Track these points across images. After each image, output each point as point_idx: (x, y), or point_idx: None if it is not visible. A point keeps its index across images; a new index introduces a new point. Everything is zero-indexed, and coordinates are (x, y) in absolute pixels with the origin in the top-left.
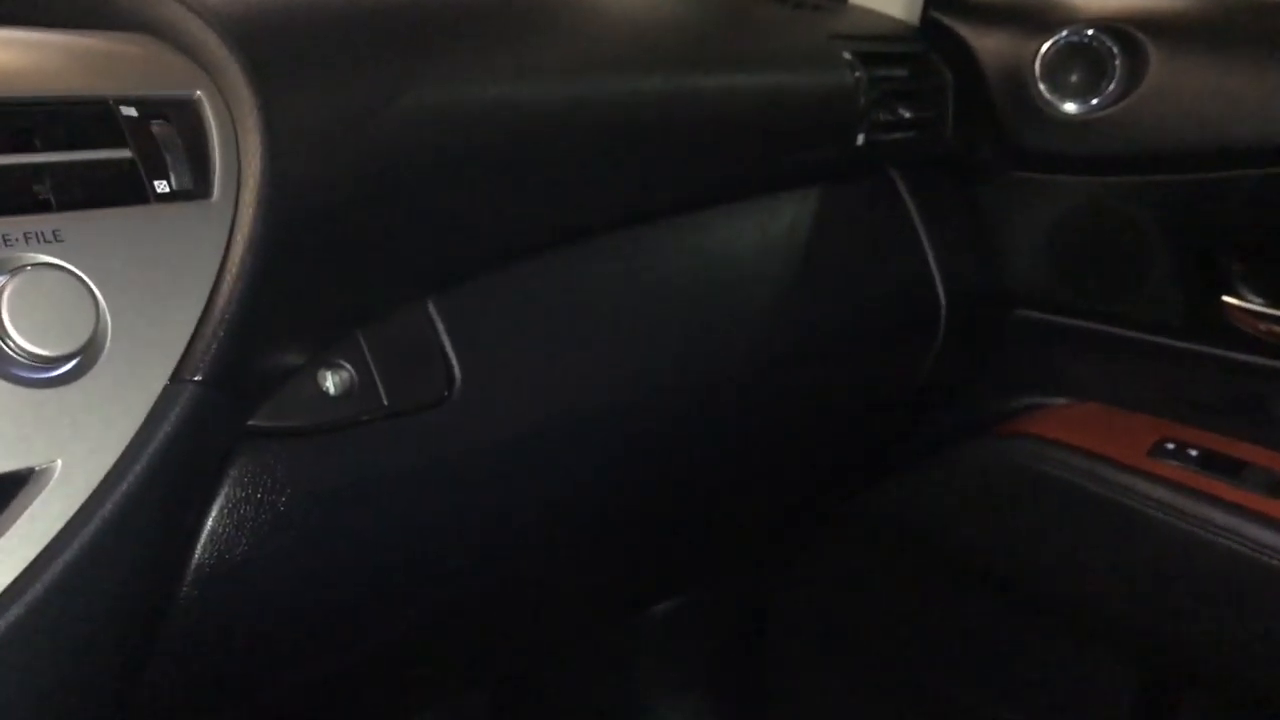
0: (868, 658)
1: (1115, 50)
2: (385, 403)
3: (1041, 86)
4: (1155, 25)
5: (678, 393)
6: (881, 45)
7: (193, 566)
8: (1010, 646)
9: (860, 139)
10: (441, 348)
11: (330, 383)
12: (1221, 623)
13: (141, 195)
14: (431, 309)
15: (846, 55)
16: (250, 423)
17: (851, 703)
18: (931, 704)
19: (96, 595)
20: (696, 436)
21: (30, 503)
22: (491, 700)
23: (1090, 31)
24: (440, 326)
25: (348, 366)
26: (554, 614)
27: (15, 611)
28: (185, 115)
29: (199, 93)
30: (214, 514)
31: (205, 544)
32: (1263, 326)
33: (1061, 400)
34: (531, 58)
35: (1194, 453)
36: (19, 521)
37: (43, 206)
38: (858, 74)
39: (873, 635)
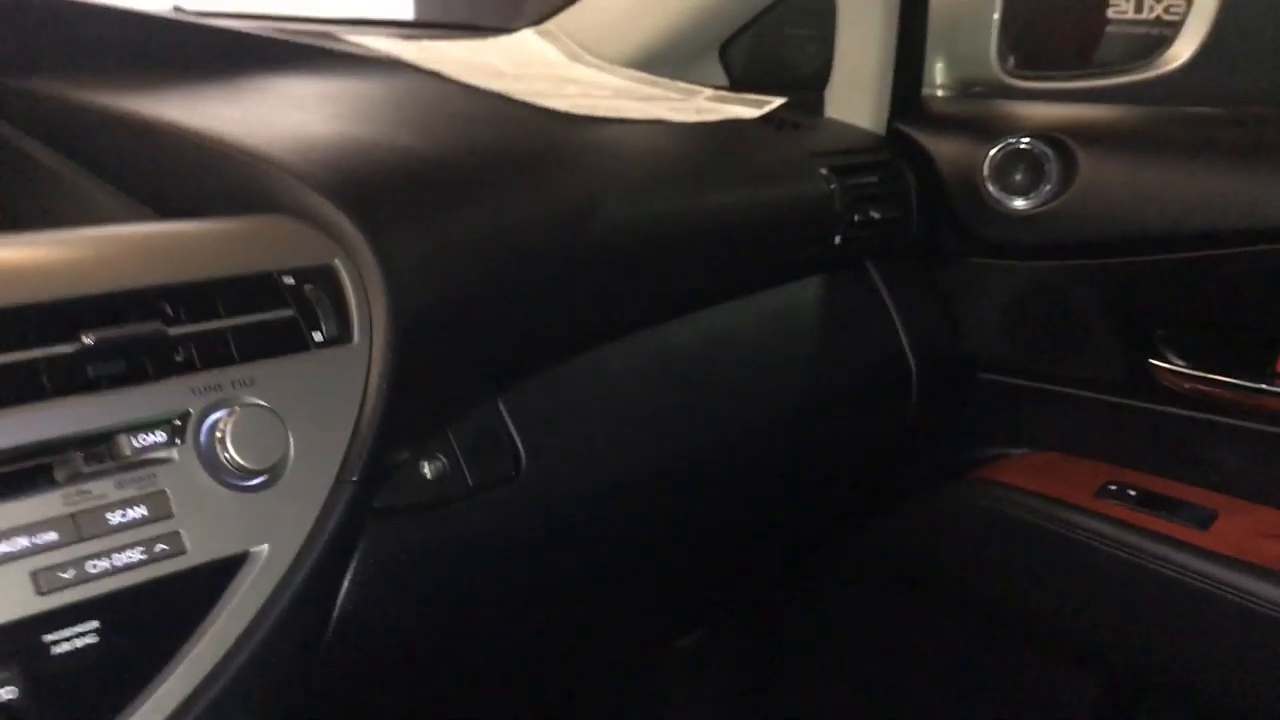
0: (868, 678)
1: (1050, 155)
2: (470, 483)
3: (991, 186)
4: (1083, 134)
5: (699, 457)
6: (853, 157)
7: (334, 618)
8: (990, 664)
9: (837, 239)
10: (510, 435)
11: (428, 469)
12: (1162, 640)
13: (303, 344)
14: (500, 403)
15: (823, 170)
16: (374, 505)
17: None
18: (925, 717)
19: (289, 642)
20: (716, 492)
21: (251, 575)
22: None
23: (1027, 139)
24: (507, 417)
25: (440, 456)
26: (599, 647)
27: (244, 655)
28: (327, 278)
29: (336, 260)
30: (349, 577)
31: (343, 600)
32: (1187, 385)
33: (1021, 450)
34: (571, 191)
35: (1134, 493)
36: (244, 588)
37: (228, 359)
38: (833, 185)
39: (872, 658)
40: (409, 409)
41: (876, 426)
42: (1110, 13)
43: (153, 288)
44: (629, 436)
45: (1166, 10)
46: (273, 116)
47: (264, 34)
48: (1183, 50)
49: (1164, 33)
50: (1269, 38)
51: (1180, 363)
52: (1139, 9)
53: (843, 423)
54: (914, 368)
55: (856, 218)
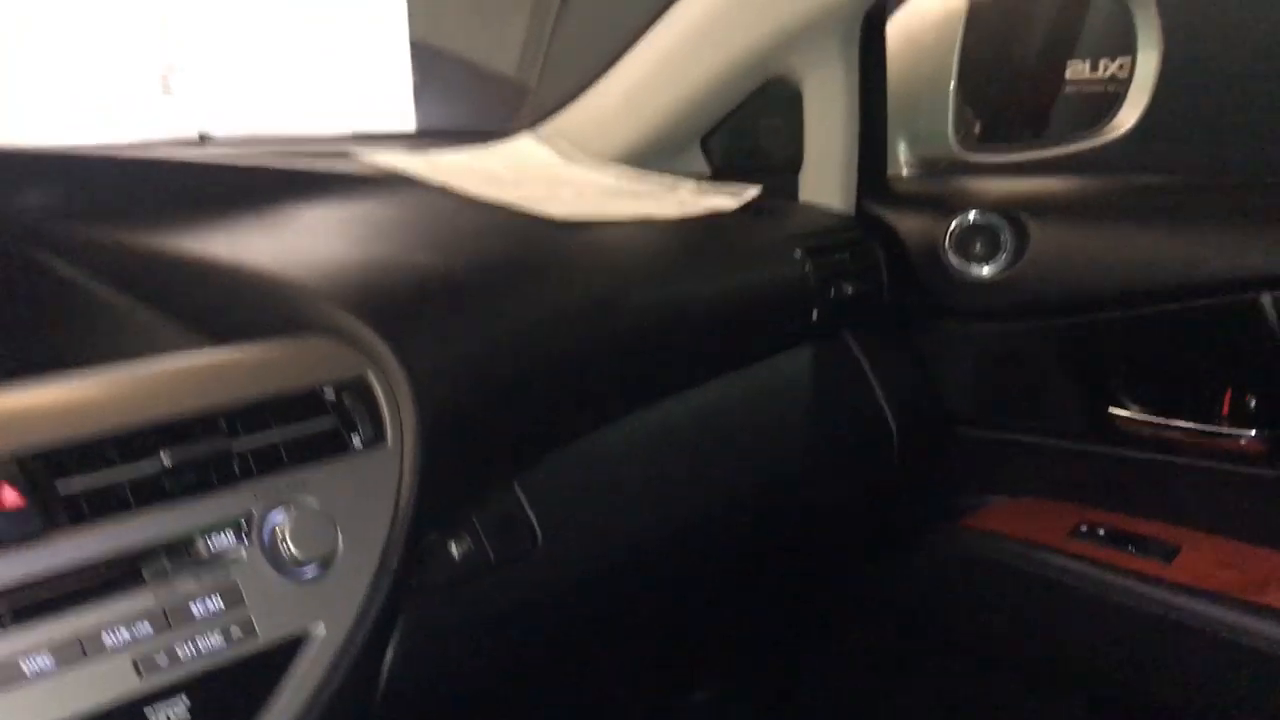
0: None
1: (1004, 227)
2: (492, 560)
3: (952, 258)
4: (1032, 206)
5: (700, 524)
6: (825, 237)
7: (382, 684)
8: (989, 701)
9: (815, 314)
10: (526, 514)
11: (455, 549)
12: (1137, 667)
13: (345, 448)
14: (516, 485)
15: (797, 252)
16: (411, 584)
17: None
18: None
19: (345, 709)
20: (718, 555)
21: (311, 652)
22: None
23: (981, 213)
24: (523, 498)
25: (466, 536)
26: (618, 705)
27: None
28: (361, 389)
29: (369, 373)
30: (391, 648)
31: (387, 669)
32: (1144, 429)
33: (999, 497)
34: (574, 293)
35: (1103, 532)
36: (307, 660)
37: (282, 466)
38: (807, 266)
39: (876, 702)
40: (438, 498)
41: (863, 483)
42: (1068, 74)
43: (215, 409)
44: (634, 508)
45: (1121, 68)
46: (302, 244)
47: (287, 165)
48: (1126, 119)
49: (1119, 90)
50: (1202, 109)
51: (1136, 409)
52: (1094, 68)
53: (832, 482)
54: (894, 426)
55: (832, 293)
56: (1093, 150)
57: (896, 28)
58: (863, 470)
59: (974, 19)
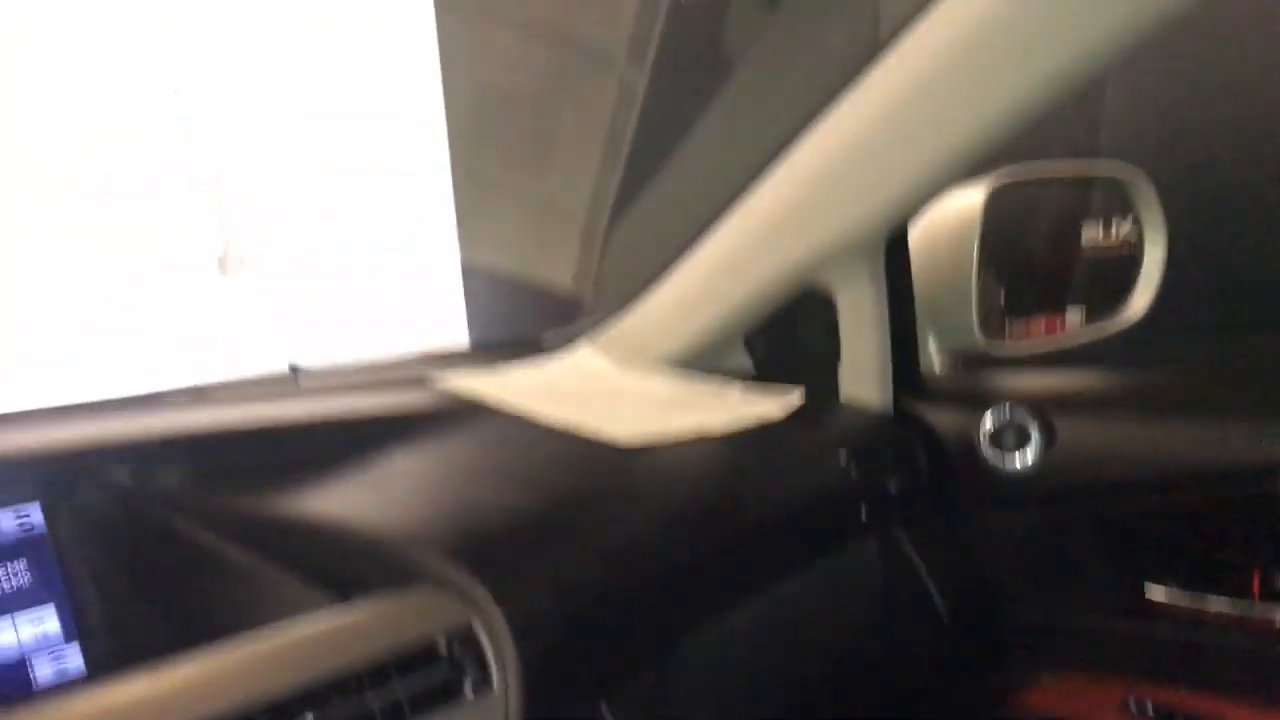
0: None
1: (1032, 421)
2: None
3: (986, 451)
4: (1057, 400)
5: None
6: (867, 437)
7: None
8: None
9: (863, 513)
10: None
11: None
12: None
13: (459, 694)
14: (602, 705)
15: (843, 456)
16: None
17: None
18: None
19: None
20: None
21: None
22: None
23: (1010, 409)
24: (608, 716)
25: None
26: None
27: None
28: (469, 639)
29: (475, 622)
30: None
31: None
32: (1183, 611)
33: (1048, 672)
34: (644, 520)
35: (1151, 708)
36: None
37: (403, 716)
38: (853, 469)
39: None
40: None
41: (918, 668)
42: (1083, 240)
43: (347, 670)
44: (710, 716)
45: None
46: (399, 493)
47: (374, 410)
48: (1138, 306)
49: (1134, 254)
50: (1209, 300)
51: (1172, 588)
52: (1107, 230)
53: (890, 670)
54: (943, 612)
55: (877, 491)
56: (1109, 339)
57: (919, 234)
58: (917, 656)
59: (989, 217)
